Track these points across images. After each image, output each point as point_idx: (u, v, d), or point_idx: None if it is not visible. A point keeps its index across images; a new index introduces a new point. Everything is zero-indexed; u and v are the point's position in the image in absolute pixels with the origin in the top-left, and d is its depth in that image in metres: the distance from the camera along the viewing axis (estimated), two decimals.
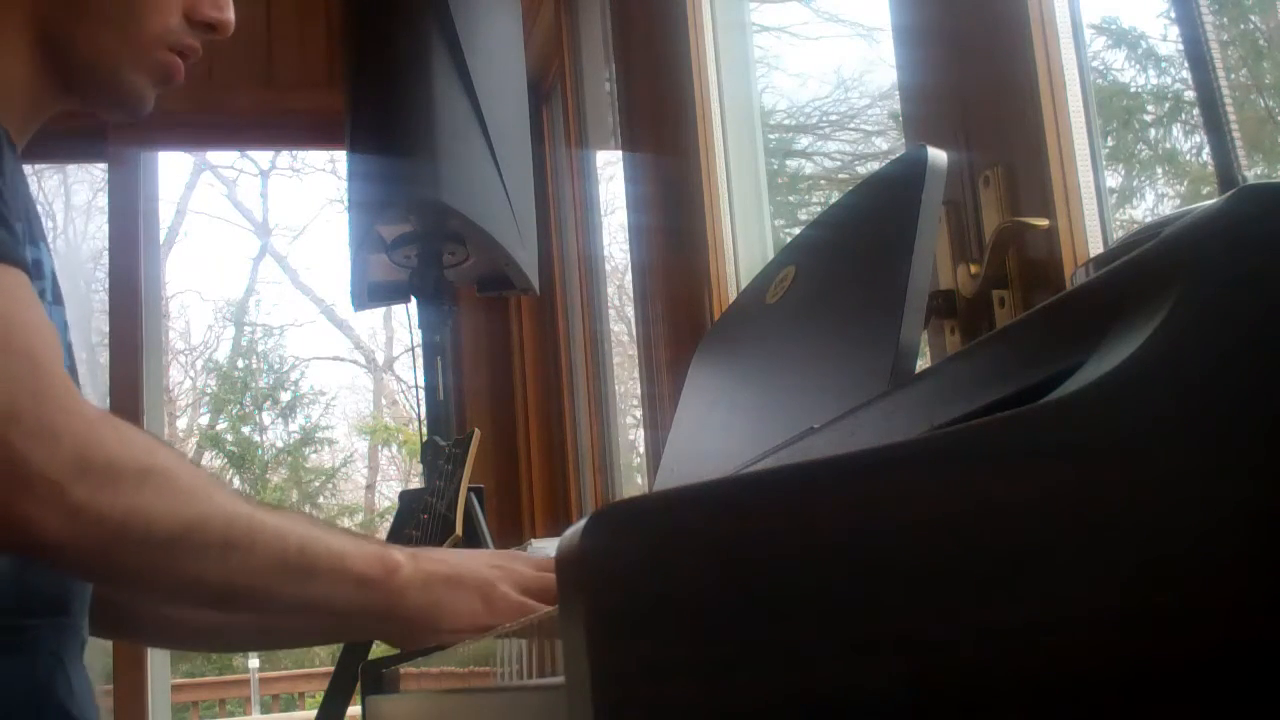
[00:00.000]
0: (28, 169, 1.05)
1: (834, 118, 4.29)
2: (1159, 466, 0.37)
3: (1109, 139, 1.81)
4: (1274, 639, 0.36)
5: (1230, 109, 0.65)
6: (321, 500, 12.54)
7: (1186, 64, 0.68)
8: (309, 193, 17.73)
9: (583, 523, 0.36)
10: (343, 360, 13.67)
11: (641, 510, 0.37)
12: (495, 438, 2.93)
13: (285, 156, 13.11)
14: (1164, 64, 2.00)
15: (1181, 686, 0.36)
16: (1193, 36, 0.67)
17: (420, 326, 1.99)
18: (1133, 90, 2.04)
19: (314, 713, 2.14)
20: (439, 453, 1.71)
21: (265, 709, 9.19)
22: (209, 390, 13.27)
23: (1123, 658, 0.36)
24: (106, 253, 3.08)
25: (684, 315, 1.85)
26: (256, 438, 12.90)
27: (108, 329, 3.02)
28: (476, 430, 1.67)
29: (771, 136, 3.14)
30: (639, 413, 2.24)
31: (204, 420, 13.18)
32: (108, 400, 2.97)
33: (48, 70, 1.04)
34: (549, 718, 0.47)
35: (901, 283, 0.73)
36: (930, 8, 1.17)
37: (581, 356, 2.76)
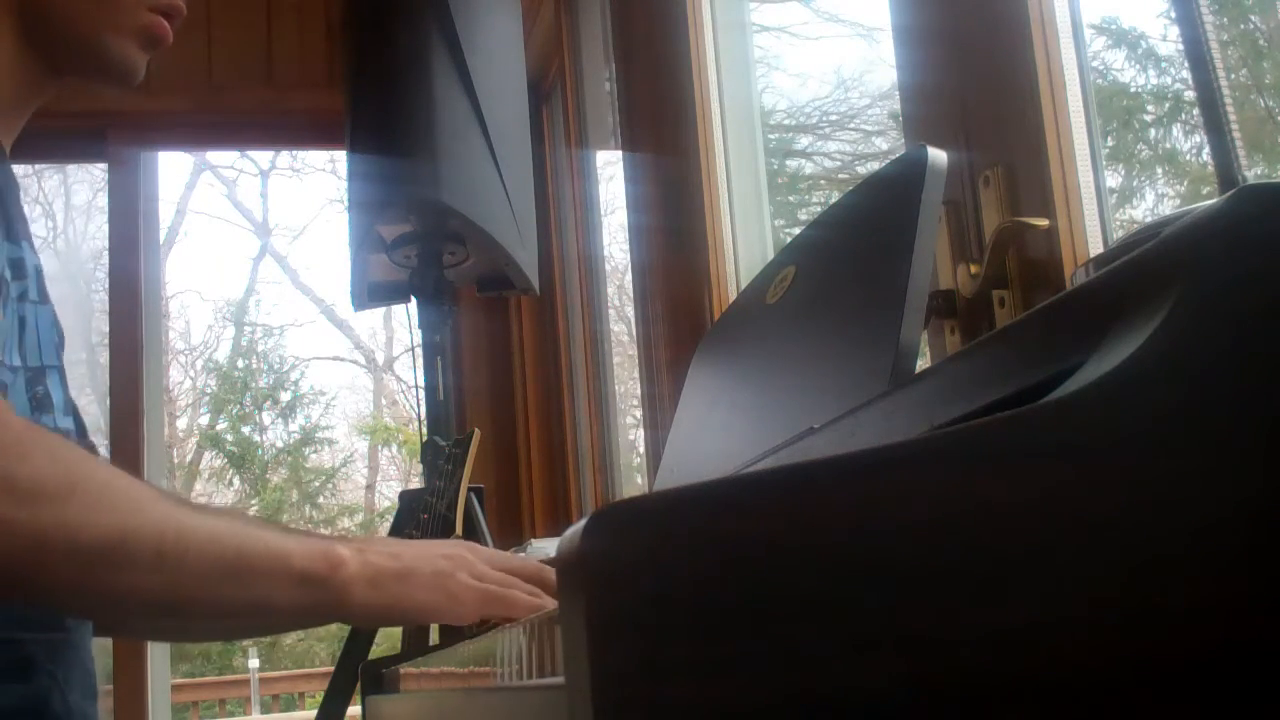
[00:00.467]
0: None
1: (834, 118, 4.29)
2: (1159, 466, 0.37)
3: (1109, 139, 1.81)
4: (1274, 639, 0.36)
5: (1230, 109, 0.65)
6: (321, 500, 12.55)
7: (1186, 64, 0.68)
8: (309, 193, 17.73)
9: (583, 523, 0.36)
10: (343, 360, 13.68)
11: (641, 510, 0.36)
12: (495, 438, 2.93)
13: (285, 156, 13.12)
14: (1164, 64, 2.00)
15: (1181, 686, 0.36)
16: (1193, 36, 0.67)
17: (420, 326, 1.99)
18: (1133, 90, 2.04)
19: (314, 713, 2.14)
20: (439, 453, 1.72)
21: (265, 709, 9.19)
22: (209, 390, 13.28)
23: (1123, 658, 0.36)
24: (106, 253, 3.08)
25: (684, 315, 1.85)
26: (256, 438, 12.90)
27: (108, 329, 3.02)
28: (476, 430, 1.67)
29: (771, 136, 3.14)
30: (639, 413, 2.24)
31: (204, 420, 13.19)
32: (108, 400, 2.98)
33: (30, 49, 1.02)
34: (549, 718, 0.47)
35: (901, 283, 0.73)
36: (930, 8, 1.17)
37: (581, 356, 2.76)
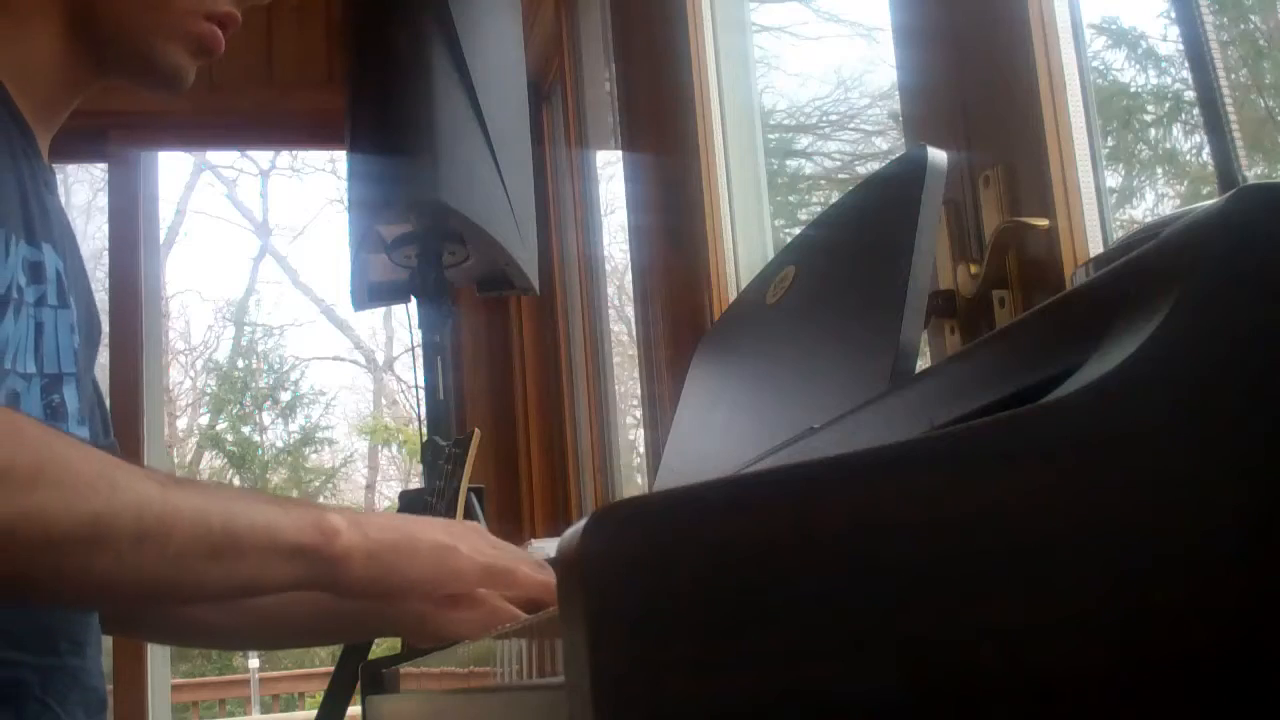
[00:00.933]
0: None
1: (834, 118, 4.29)
2: (1159, 466, 0.37)
3: (1109, 139, 1.81)
4: (1274, 639, 0.36)
5: (1230, 109, 0.65)
6: (322, 500, 12.54)
7: (1186, 64, 0.68)
8: (309, 193, 17.76)
9: (583, 523, 0.36)
10: (343, 360, 13.69)
11: (641, 510, 0.36)
12: (495, 438, 2.93)
13: (285, 156, 13.13)
14: (1164, 64, 2.00)
15: (1181, 686, 0.36)
16: (1193, 36, 0.67)
17: (420, 326, 1.99)
18: (1133, 90, 2.04)
19: (314, 713, 2.14)
20: (439, 453, 1.71)
21: (265, 709, 9.19)
22: (209, 390, 13.28)
23: (1122, 658, 0.36)
24: (106, 253, 3.08)
25: (684, 315, 1.85)
26: (256, 438, 12.91)
27: (108, 329, 3.02)
28: (476, 430, 1.67)
29: (771, 136, 3.14)
30: (639, 413, 2.24)
31: (204, 420, 13.20)
32: (108, 400, 2.97)
33: (77, 46, 1.00)
34: (549, 718, 0.47)
35: (901, 283, 0.73)
36: (930, 8, 1.17)
37: (581, 356, 2.76)
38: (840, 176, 4.19)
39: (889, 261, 0.76)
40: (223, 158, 13.24)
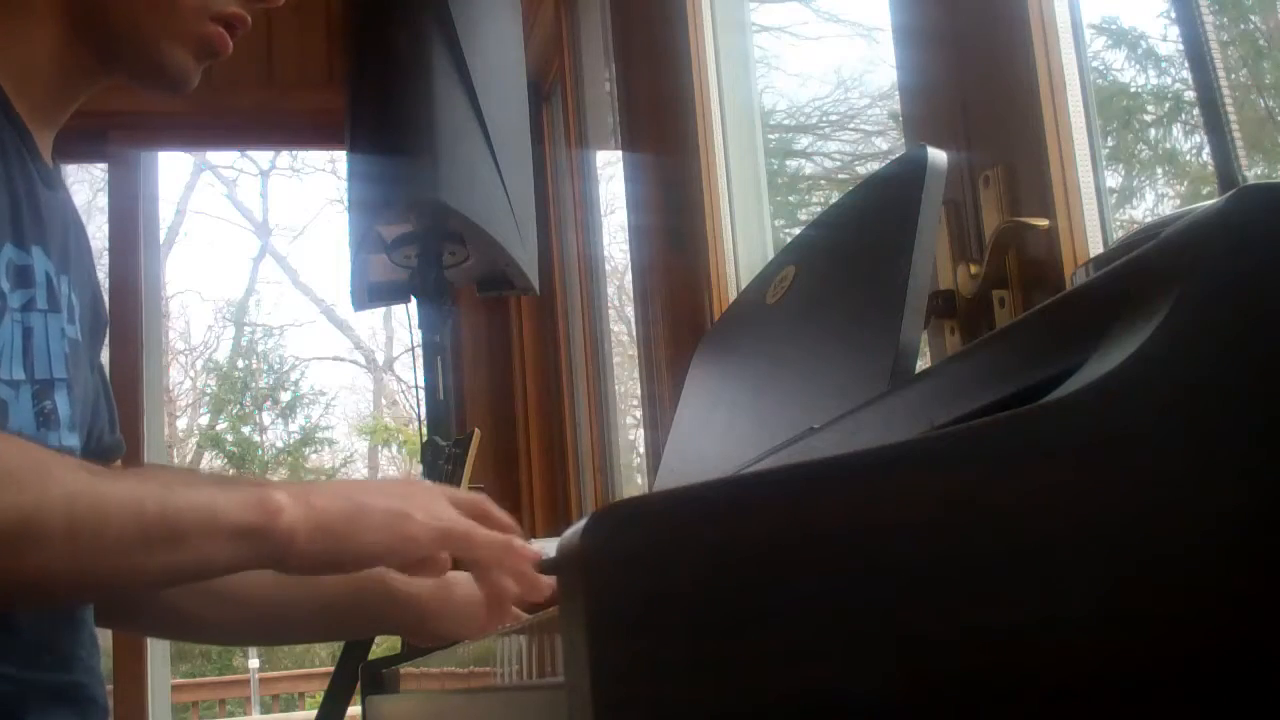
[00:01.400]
0: None
1: (834, 118, 4.28)
2: (1159, 466, 0.37)
3: (1109, 139, 1.80)
4: (1274, 639, 0.36)
5: (1230, 109, 0.65)
6: None
7: (1186, 64, 0.68)
8: (309, 193, 17.76)
9: (583, 523, 0.36)
10: (343, 360, 13.68)
11: (641, 510, 0.37)
12: (495, 438, 2.93)
13: (285, 156, 13.13)
14: (1164, 64, 2.00)
15: (1181, 686, 0.36)
16: (1193, 36, 0.67)
17: (420, 326, 1.99)
18: (1133, 90, 2.03)
19: (314, 713, 2.14)
20: (439, 453, 1.72)
21: (265, 709, 9.19)
22: (209, 390, 13.28)
23: (1123, 658, 0.36)
24: (106, 253, 3.08)
25: (684, 315, 1.85)
26: (256, 438, 12.91)
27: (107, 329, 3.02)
28: (476, 430, 1.67)
29: (771, 136, 3.14)
30: (639, 413, 2.24)
31: (204, 420, 13.20)
32: None
33: (81, 43, 0.99)
34: (549, 718, 0.47)
35: (901, 283, 0.73)
36: (930, 8, 1.17)
37: (581, 356, 2.76)
38: (840, 176, 4.19)
39: (889, 261, 0.76)
40: (223, 158, 13.25)
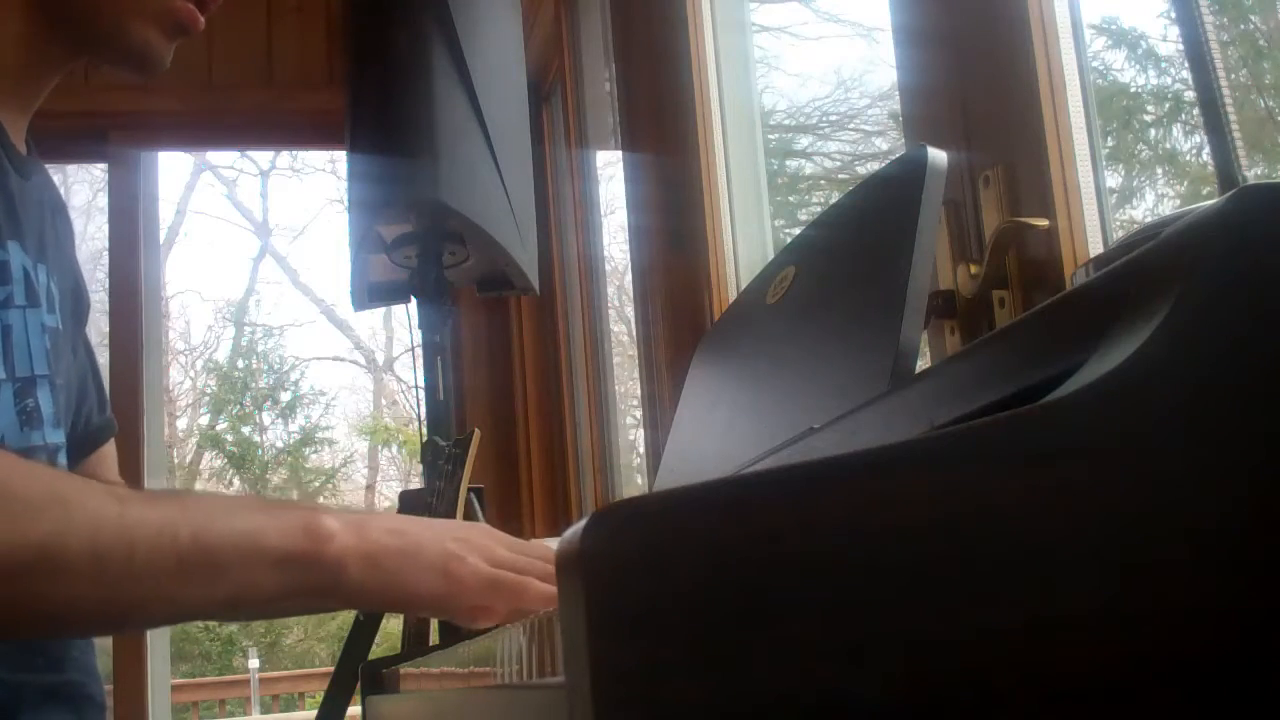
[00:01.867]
0: None
1: (834, 118, 4.29)
2: (1159, 467, 0.37)
3: (1109, 139, 1.80)
4: (1274, 639, 0.36)
5: (1230, 109, 0.65)
6: (322, 501, 12.54)
7: (1186, 64, 0.68)
8: (309, 193, 17.76)
9: (583, 523, 0.36)
10: (343, 360, 13.69)
11: (641, 510, 0.36)
12: (495, 438, 2.93)
13: (285, 156, 13.14)
14: (1164, 64, 2.00)
15: (1181, 686, 0.36)
16: (1193, 36, 0.67)
17: (420, 326, 1.99)
18: (1133, 90, 2.04)
19: (314, 713, 2.14)
20: (439, 453, 1.71)
21: (265, 709, 9.20)
22: (209, 390, 13.29)
23: (1123, 658, 0.36)
24: (106, 253, 3.08)
25: (684, 315, 1.85)
26: (256, 438, 12.92)
27: (108, 329, 3.02)
28: (476, 430, 1.67)
29: (771, 136, 3.14)
30: (639, 413, 2.24)
31: (204, 420, 13.21)
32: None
33: (47, 26, 0.97)
34: (549, 718, 0.47)
35: (901, 283, 0.73)
36: (930, 8, 1.17)
37: (581, 356, 2.76)
38: (840, 176, 4.19)
39: (889, 261, 0.76)
40: (223, 158, 13.26)
